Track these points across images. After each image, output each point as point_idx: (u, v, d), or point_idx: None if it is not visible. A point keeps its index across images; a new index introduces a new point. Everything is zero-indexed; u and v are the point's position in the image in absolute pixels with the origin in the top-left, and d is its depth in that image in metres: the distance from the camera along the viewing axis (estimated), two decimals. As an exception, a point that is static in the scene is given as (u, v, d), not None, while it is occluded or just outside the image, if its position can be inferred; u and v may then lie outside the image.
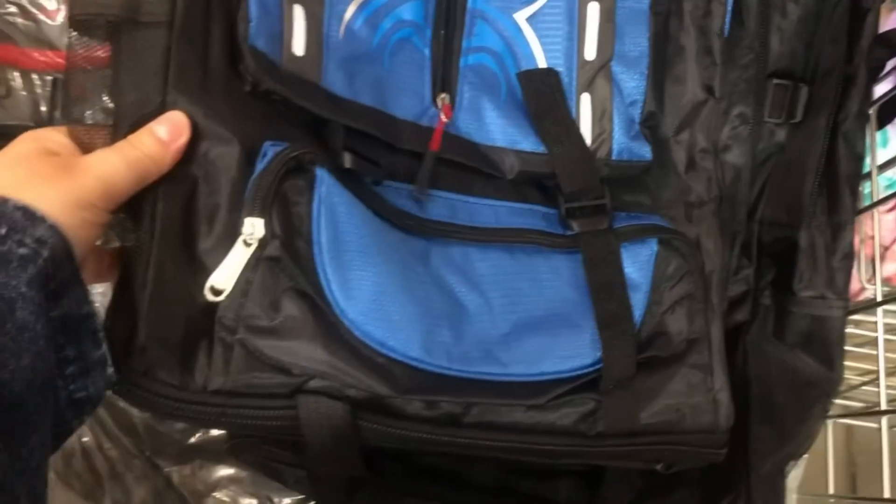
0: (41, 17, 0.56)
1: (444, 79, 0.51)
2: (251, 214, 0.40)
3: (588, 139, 0.52)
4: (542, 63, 0.52)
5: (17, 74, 0.59)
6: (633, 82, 0.52)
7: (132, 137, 0.38)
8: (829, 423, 0.76)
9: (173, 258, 0.40)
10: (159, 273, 0.40)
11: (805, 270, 0.59)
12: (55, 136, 0.38)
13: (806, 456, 0.62)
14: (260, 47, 0.42)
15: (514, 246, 0.50)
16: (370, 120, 0.46)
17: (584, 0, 0.52)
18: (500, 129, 0.52)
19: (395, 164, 0.49)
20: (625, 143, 0.52)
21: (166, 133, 0.38)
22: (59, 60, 0.57)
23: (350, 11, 0.48)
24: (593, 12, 0.52)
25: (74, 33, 0.40)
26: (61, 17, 0.56)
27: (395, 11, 0.50)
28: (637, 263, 0.51)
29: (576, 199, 0.51)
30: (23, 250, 0.32)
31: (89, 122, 0.41)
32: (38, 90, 0.59)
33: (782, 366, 0.60)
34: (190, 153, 0.40)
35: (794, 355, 0.59)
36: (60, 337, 0.34)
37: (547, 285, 0.50)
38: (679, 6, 0.54)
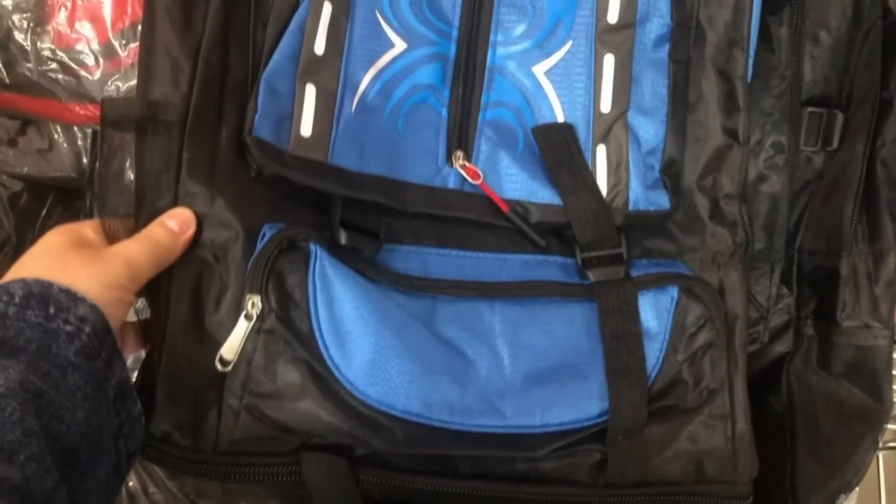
0: (82, 72, 0.58)
1: (460, 136, 0.52)
2: (251, 292, 0.44)
3: (604, 190, 0.52)
4: (559, 115, 0.53)
5: (59, 128, 0.61)
6: (651, 131, 0.52)
7: (148, 229, 0.44)
8: (881, 452, 0.74)
9: (184, 333, 0.45)
10: (172, 347, 0.45)
11: (847, 299, 0.58)
12: (81, 230, 0.44)
13: (857, 489, 0.60)
14: (265, 135, 0.46)
15: (526, 298, 0.50)
16: (376, 190, 0.48)
17: (601, 52, 0.52)
18: (517, 183, 0.52)
19: (401, 227, 0.50)
20: (641, 193, 0.52)
21: (176, 226, 0.44)
22: (99, 114, 0.58)
23: (366, 81, 0.50)
24: (608, 64, 0.52)
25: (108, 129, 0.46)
26: (100, 72, 0.58)
27: (411, 76, 0.51)
28: (655, 311, 0.50)
29: (592, 248, 0.51)
30: (68, 327, 0.37)
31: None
32: (80, 142, 0.61)
33: (829, 397, 0.59)
34: (198, 239, 0.45)
35: (841, 386, 0.58)
36: (118, 402, 0.39)
37: (560, 335, 0.50)
38: (700, 51, 0.54)
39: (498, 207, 0.51)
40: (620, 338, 0.49)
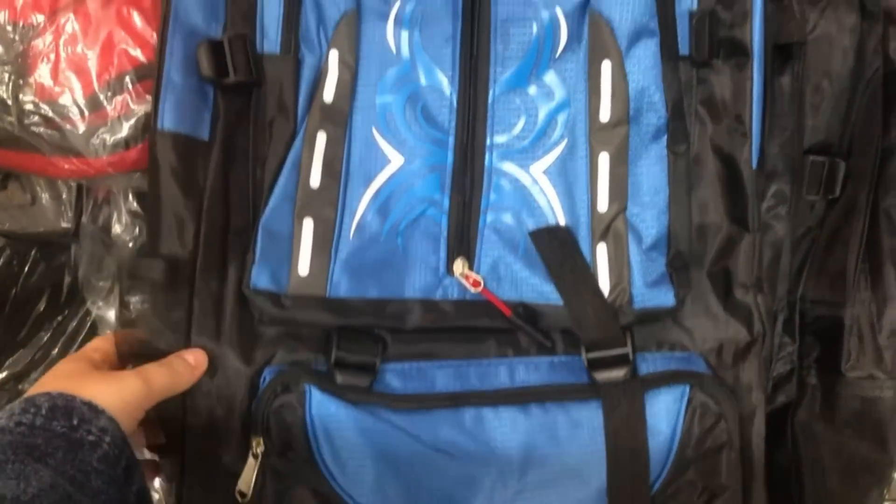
0: (66, 125, 0.55)
1: (461, 243, 0.52)
2: (255, 434, 0.49)
3: (606, 289, 0.51)
4: (559, 214, 0.52)
5: (42, 182, 0.59)
6: (653, 225, 0.51)
7: (169, 359, 0.49)
8: (888, 504, 0.74)
9: (201, 477, 0.50)
10: (192, 479, 0.51)
11: (851, 349, 0.58)
12: (98, 349, 0.49)
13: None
14: (264, 284, 0.50)
15: (532, 403, 0.50)
16: (376, 315, 0.51)
17: (595, 150, 0.51)
18: (520, 284, 0.52)
19: (404, 343, 0.52)
20: (645, 291, 0.51)
21: (193, 361, 0.50)
22: (84, 167, 0.56)
23: (364, 203, 0.51)
24: (604, 162, 0.51)
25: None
26: (85, 124, 0.56)
27: (410, 190, 0.52)
28: (665, 411, 0.50)
29: (597, 348, 0.51)
30: (91, 437, 0.40)
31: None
32: (64, 196, 0.59)
33: (834, 449, 0.58)
34: (207, 385, 0.50)
35: (846, 437, 0.58)
36: None
37: (564, 439, 0.50)
38: (702, 139, 0.53)
39: (501, 312, 0.51)
40: (624, 449, 0.49)
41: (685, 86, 0.52)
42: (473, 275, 0.51)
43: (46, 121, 0.56)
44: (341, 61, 0.51)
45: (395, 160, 0.52)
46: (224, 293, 0.51)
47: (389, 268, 0.51)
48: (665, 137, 0.52)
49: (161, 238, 0.50)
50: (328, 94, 0.51)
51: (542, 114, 0.52)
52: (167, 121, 0.50)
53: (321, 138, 0.51)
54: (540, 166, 0.52)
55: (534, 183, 0.52)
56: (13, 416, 0.40)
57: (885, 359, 0.57)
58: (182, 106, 0.51)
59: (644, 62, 0.51)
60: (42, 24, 0.55)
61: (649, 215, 0.51)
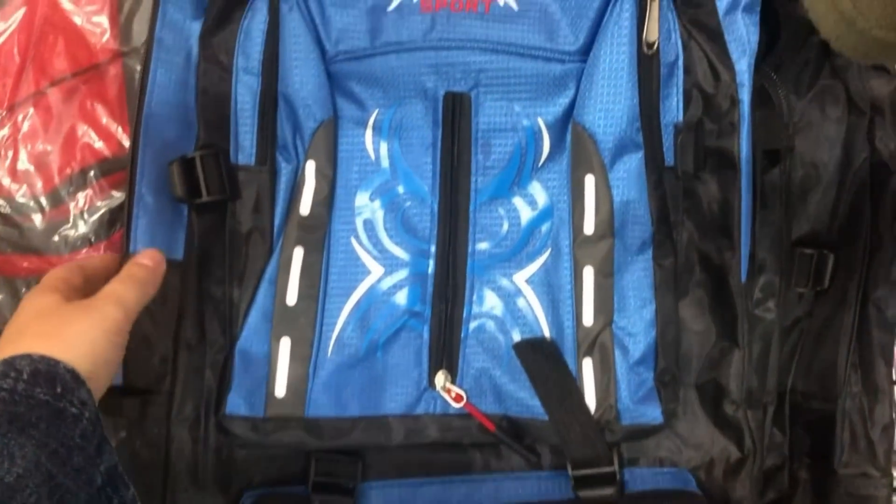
0: (24, 223, 0.53)
1: (443, 355, 0.51)
2: None
3: (592, 405, 0.50)
4: (543, 324, 0.51)
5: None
6: (639, 340, 0.50)
7: (126, 270, 0.45)
8: None
9: None
10: None
11: (844, 445, 0.57)
12: (66, 280, 0.45)
13: None
14: (240, 411, 0.49)
15: None
16: (355, 434, 0.50)
17: (580, 263, 0.50)
18: (504, 397, 0.50)
19: (385, 461, 0.51)
20: (631, 407, 0.50)
21: (150, 262, 0.46)
22: (44, 266, 0.54)
23: (342, 318, 0.50)
24: (588, 276, 0.50)
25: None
26: (45, 221, 0.53)
27: (389, 302, 0.50)
28: None
29: (584, 466, 0.50)
30: (73, 409, 0.38)
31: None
32: (22, 294, 0.56)
33: (829, 548, 0.57)
34: None
35: (840, 537, 0.56)
36: (109, 488, 0.39)
37: None
38: (690, 252, 0.52)
39: (485, 426, 0.49)
40: None
41: (671, 197, 0.50)
42: (456, 388, 0.50)
43: (3, 218, 0.54)
44: (318, 171, 0.50)
45: (375, 271, 0.51)
46: (204, 425, 0.50)
47: (370, 384, 0.50)
48: (651, 250, 0.50)
49: (134, 372, 0.48)
50: (305, 206, 0.50)
51: (525, 223, 0.51)
52: (140, 244, 0.48)
53: (298, 254, 0.50)
54: (523, 275, 0.51)
55: (517, 292, 0.51)
56: None
57: (878, 454, 0.56)
58: (155, 227, 0.49)
59: (629, 176, 0.49)
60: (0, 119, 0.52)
61: (636, 329, 0.50)
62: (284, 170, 0.50)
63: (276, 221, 0.50)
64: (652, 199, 0.50)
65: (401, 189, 0.51)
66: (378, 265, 0.51)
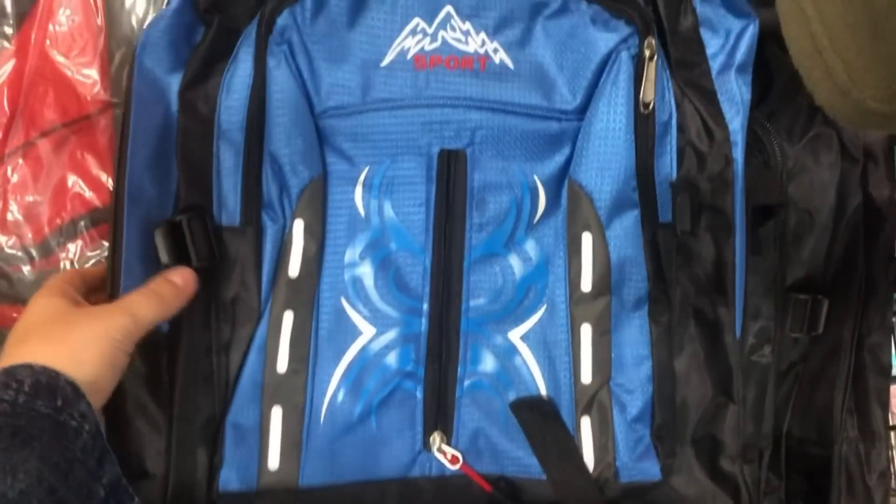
0: (13, 273, 0.53)
1: (437, 415, 0.50)
2: None
3: (590, 463, 0.50)
4: (540, 382, 0.50)
5: (-13, 330, 0.56)
6: (637, 397, 0.50)
7: (151, 284, 0.44)
8: None
9: None
10: None
11: (840, 491, 0.56)
12: (69, 282, 0.44)
13: None
14: (232, 486, 0.47)
15: None
16: (350, 501, 0.49)
17: (577, 321, 0.50)
18: (501, 457, 0.50)
19: None
20: (631, 464, 0.49)
21: (180, 281, 0.45)
22: (34, 316, 0.53)
23: (334, 383, 0.49)
24: (586, 334, 0.50)
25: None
26: (35, 271, 0.53)
27: (382, 364, 0.49)
28: None
29: None
30: (73, 423, 0.38)
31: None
32: (11, 344, 0.55)
33: None
34: None
35: (838, 585, 0.56)
36: (113, 500, 0.39)
37: None
38: (685, 308, 0.51)
39: (482, 487, 0.49)
40: None
41: (665, 254, 0.50)
42: (451, 450, 0.49)
43: (-8, 267, 0.53)
44: (307, 230, 0.49)
45: (367, 331, 0.49)
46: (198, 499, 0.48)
47: (364, 448, 0.49)
48: (646, 306, 0.50)
49: (133, 451, 0.47)
50: (294, 267, 0.49)
51: (520, 280, 0.50)
52: None
53: (288, 318, 0.48)
54: (518, 332, 0.50)
55: (512, 349, 0.50)
56: None
57: (875, 500, 0.56)
58: None
59: (626, 233, 0.49)
60: (-12, 171, 0.52)
61: (633, 386, 0.50)
62: (270, 229, 0.48)
63: (264, 284, 0.48)
64: (647, 256, 0.49)
65: (392, 246, 0.50)
66: (369, 325, 0.49)
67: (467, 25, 0.47)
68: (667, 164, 0.49)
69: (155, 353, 0.47)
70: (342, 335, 0.49)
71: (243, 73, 0.47)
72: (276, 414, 0.48)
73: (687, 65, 0.48)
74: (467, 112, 0.48)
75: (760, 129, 0.53)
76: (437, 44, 0.47)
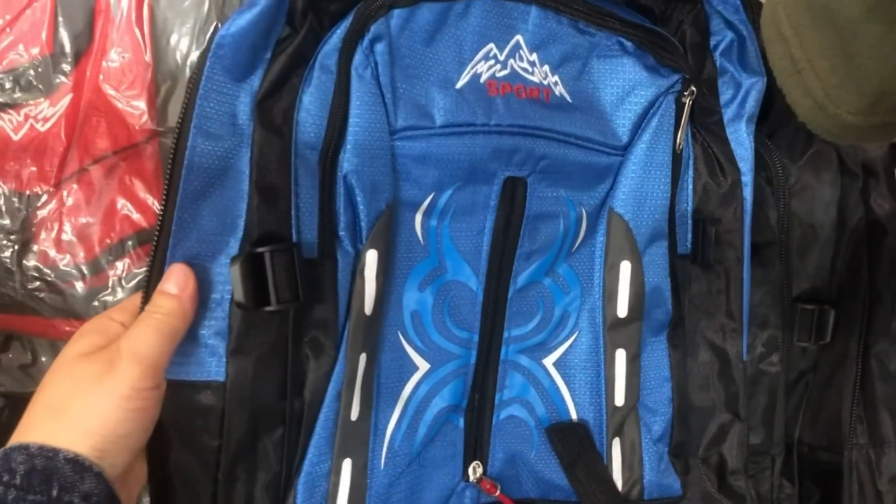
0: (67, 289, 0.57)
1: (476, 444, 0.51)
2: None
3: (619, 483, 0.52)
4: (571, 407, 0.53)
5: (43, 342, 0.60)
6: (659, 419, 0.53)
7: (150, 305, 0.40)
8: None
9: None
10: None
11: (852, 496, 0.58)
12: (94, 328, 0.41)
13: None
14: None
15: None
16: None
17: (611, 346, 0.52)
18: (534, 482, 0.52)
19: None
20: (655, 481, 0.52)
21: (175, 287, 0.40)
22: (85, 329, 0.57)
23: (392, 423, 0.47)
24: (621, 359, 0.52)
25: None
26: (86, 287, 0.57)
27: (435, 400, 0.49)
28: None
29: None
30: None
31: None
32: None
33: None
34: None
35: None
36: None
37: None
38: (697, 333, 0.54)
39: None
40: None
41: (682, 282, 0.53)
42: (489, 480, 0.50)
43: (48, 285, 0.57)
44: (380, 262, 0.44)
45: (422, 367, 0.49)
46: None
47: (414, 484, 0.48)
48: (667, 331, 0.53)
49: None
50: (369, 304, 0.44)
51: (557, 307, 0.52)
52: (169, 370, 0.40)
53: (363, 361, 0.44)
54: (551, 359, 0.52)
55: (546, 375, 0.52)
56: None
57: (886, 505, 0.57)
58: (188, 346, 0.41)
59: (658, 262, 0.52)
60: (46, 195, 0.56)
61: (657, 407, 0.53)
62: (343, 261, 0.43)
63: (340, 322, 0.43)
64: (671, 283, 0.52)
65: (448, 277, 0.49)
66: (424, 361, 0.48)
67: (534, 56, 0.47)
68: (684, 200, 0.53)
69: (201, 409, 0.41)
70: (398, 372, 0.47)
71: (322, 85, 0.42)
72: (347, 466, 0.44)
73: (704, 112, 0.52)
74: (535, 141, 0.47)
75: (762, 147, 0.56)
76: (507, 71, 0.46)
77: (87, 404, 0.37)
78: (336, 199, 0.43)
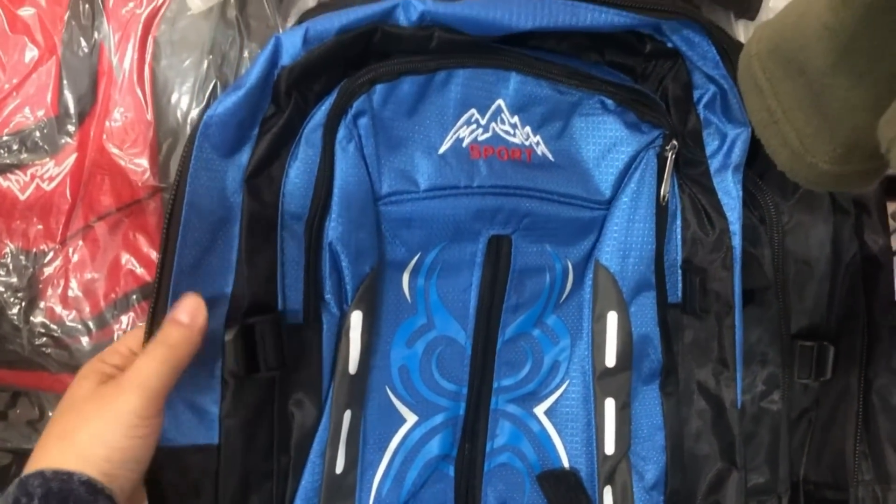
0: (73, 344, 0.58)
1: (467, 491, 0.52)
2: None
3: None
4: (563, 455, 0.53)
5: (50, 397, 0.61)
6: (652, 467, 0.53)
7: (159, 335, 0.41)
8: None
9: None
10: None
11: (860, 534, 0.57)
12: (99, 360, 0.43)
13: None
14: None
15: None
16: None
17: (601, 395, 0.53)
18: None
19: None
20: None
21: (186, 317, 0.41)
22: (91, 383, 0.58)
23: (379, 475, 0.49)
24: (610, 408, 0.53)
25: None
26: (92, 342, 0.58)
27: (422, 451, 0.51)
28: None
29: None
30: None
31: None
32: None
33: None
34: None
35: None
36: None
37: None
38: (690, 381, 0.55)
39: None
40: None
41: (674, 331, 0.54)
42: None
43: (55, 340, 0.58)
44: (364, 323, 0.46)
45: (410, 419, 0.50)
46: None
47: None
48: (658, 380, 0.53)
49: None
50: (353, 364, 0.46)
51: (546, 356, 0.53)
52: (166, 436, 0.42)
53: (347, 417, 0.46)
54: (542, 407, 0.53)
55: (537, 423, 0.53)
56: None
57: (894, 542, 0.57)
58: (179, 412, 0.43)
59: (645, 312, 0.52)
60: (53, 252, 0.57)
61: (649, 455, 0.53)
62: (328, 323, 0.45)
63: (324, 383, 0.45)
64: (661, 332, 0.53)
65: (436, 333, 0.50)
66: (412, 413, 0.50)
67: (515, 119, 0.48)
68: (673, 250, 0.53)
69: (200, 472, 0.43)
70: (386, 425, 0.49)
71: (308, 158, 0.44)
72: None
73: (690, 163, 0.53)
74: (519, 200, 0.48)
75: (754, 187, 0.56)
76: (489, 134, 0.48)
77: (93, 434, 0.38)
78: (322, 265, 0.45)
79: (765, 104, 0.37)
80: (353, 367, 0.46)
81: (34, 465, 0.38)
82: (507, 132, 0.48)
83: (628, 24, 0.46)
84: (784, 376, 0.58)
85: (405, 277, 0.49)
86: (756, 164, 0.56)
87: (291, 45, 0.42)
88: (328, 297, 0.45)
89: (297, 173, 0.44)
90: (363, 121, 0.45)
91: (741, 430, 0.53)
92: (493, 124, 0.48)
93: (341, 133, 0.44)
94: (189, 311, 0.41)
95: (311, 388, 0.45)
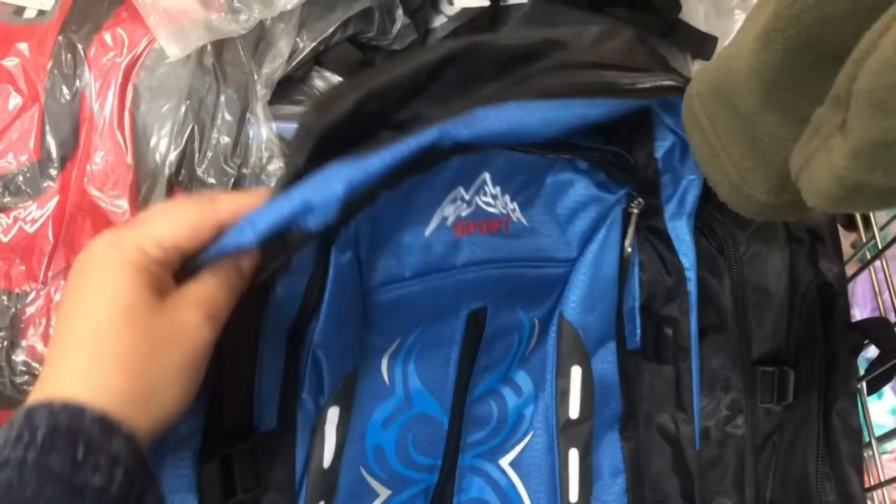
0: (54, 382, 0.59)
1: None
2: None
3: None
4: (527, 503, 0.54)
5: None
6: None
7: (223, 272, 0.36)
8: None
9: None
10: None
11: (825, 556, 0.58)
12: (153, 247, 0.35)
13: None
14: None
15: None
16: None
17: (564, 446, 0.54)
18: None
19: None
20: None
21: (248, 266, 0.37)
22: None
23: None
24: (573, 458, 0.54)
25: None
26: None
27: None
28: None
29: None
30: (96, 480, 0.30)
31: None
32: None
33: None
34: None
35: None
36: None
37: None
38: (650, 426, 0.56)
39: None
40: None
41: (633, 376, 0.55)
42: None
43: (36, 379, 0.59)
44: (341, 417, 0.46)
45: (382, 493, 0.50)
46: None
47: None
48: (618, 425, 0.55)
49: None
50: (327, 459, 0.46)
51: (511, 410, 0.54)
52: None
53: None
54: (507, 459, 0.54)
55: (502, 475, 0.54)
56: (4, 449, 0.30)
57: (859, 562, 0.58)
58: None
59: (608, 360, 0.54)
60: (35, 292, 0.59)
61: (611, 499, 0.54)
62: (302, 423, 0.44)
63: (297, 479, 0.44)
64: (621, 380, 0.54)
65: (414, 411, 0.50)
66: (385, 488, 0.50)
67: (497, 189, 0.48)
68: (631, 297, 0.54)
69: None
70: (358, 500, 0.49)
71: (296, 283, 0.41)
72: None
73: (649, 211, 0.53)
74: (498, 273, 0.49)
75: (712, 220, 0.59)
76: (472, 209, 0.47)
77: (166, 370, 0.33)
78: (302, 370, 0.43)
79: (706, 141, 0.40)
80: (327, 462, 0.45)
81: (50, 383, 0.32)
82: (488, 203, 0.48)
83: (626, 110, 0.44)
84: (747, 401, 0.60)
85: (384, 361, 0.48)
86: (713, 197, 0.58)
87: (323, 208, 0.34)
88: (305, 396, 0.44)
89: (287, 283, 0.41)
90: (364, 228, 0.43)
91: (699, 471, 0.55)
92: (476, 198, 0.47)
93: (339, 241, 0.41)
94: (249, 262, 0.37)
95: (283, 489, 0.43)
